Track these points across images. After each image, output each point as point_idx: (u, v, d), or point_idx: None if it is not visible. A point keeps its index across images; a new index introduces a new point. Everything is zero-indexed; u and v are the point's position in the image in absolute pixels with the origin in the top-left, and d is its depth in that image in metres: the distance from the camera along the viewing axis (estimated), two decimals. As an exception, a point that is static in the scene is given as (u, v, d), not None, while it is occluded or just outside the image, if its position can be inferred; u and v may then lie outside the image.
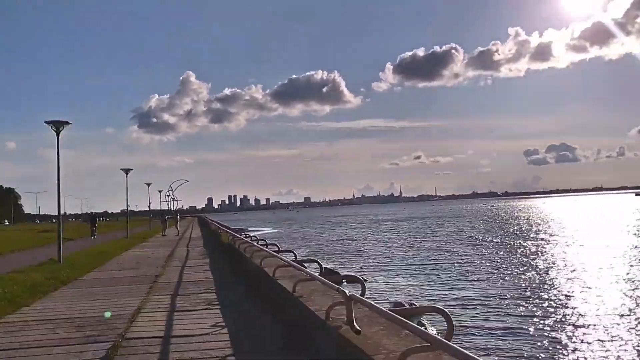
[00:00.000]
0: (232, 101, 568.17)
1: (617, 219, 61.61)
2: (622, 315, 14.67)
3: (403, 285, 21.56)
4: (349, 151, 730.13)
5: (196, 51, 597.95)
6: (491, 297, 18.05)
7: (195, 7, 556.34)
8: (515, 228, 56.22)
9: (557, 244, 36.70)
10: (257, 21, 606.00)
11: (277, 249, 12.96)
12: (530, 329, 13.59)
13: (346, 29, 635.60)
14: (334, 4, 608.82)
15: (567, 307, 16.08)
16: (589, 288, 19.03)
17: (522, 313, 15.45)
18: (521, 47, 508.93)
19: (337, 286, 5.25)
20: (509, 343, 12.37)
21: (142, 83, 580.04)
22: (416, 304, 16.37)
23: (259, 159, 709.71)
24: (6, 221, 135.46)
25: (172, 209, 79.66)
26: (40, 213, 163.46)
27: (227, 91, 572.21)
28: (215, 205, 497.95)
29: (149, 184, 57.75)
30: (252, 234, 24.23)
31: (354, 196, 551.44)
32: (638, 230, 44.12)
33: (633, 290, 18.41)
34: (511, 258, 29.23)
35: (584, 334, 13.02)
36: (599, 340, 12.51)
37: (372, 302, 4.30)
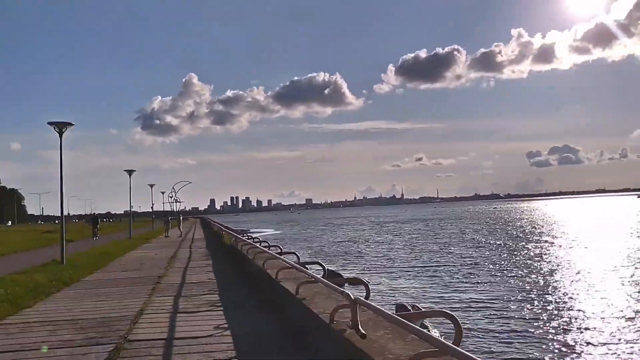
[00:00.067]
0: (234, 103, 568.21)
1: (622, 221, 61.35)
2: (630, 319, 14.53)
3: (406, 287, 21.46)
4: (350, 153, 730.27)
5: (198, 53, 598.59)
6: (496, 299, 17.89)
7: (197, 8, 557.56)
8: (519, 230, 56.04)
9: (562, 246, 36.52)
10: (259, 23, 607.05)
11: (279, 251, 12.93)
12: (538, 333, 13.31)
13: (348, 30, 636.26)
14: (335, 5, 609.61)
15: (574, 310, 15.85)
16: (596, 291, 18.82)
17: (529, 316, 15.19)
18: (524, 48, 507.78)
19: (341, 289, 5.20)
20: (517, 347, 12.18)
21: (145, 84, 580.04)
22: (419, 306, 16.30)
23: (261, 160, 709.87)
24: (9, 222, 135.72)
25: (174, 210, 79.68)
26: (44, 214, 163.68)
27: (229, 93, 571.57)
28: (218, 207, 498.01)
29: (152, 185, 57.87)
30: (254, 235, 24.24)
31: (355, 198, 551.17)
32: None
33: (639, 292, 18.28)
34: (515, 260, 29.08)
35: (593, 337, 12.84)
36: (608, 343, 12.34)
37: (378, 306, 4.23)
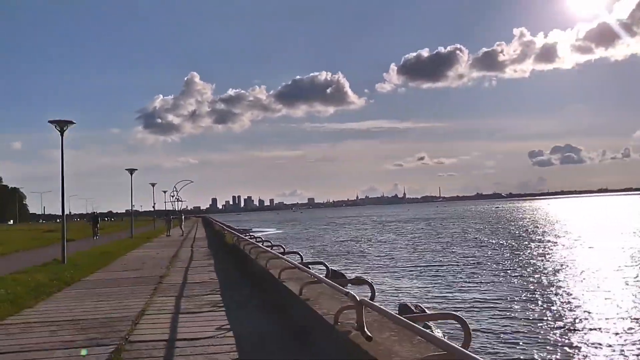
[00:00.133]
0: (236, 102, 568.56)
1: (625, 221, 61.11)
2: (636, 319, 14.39)
3: (409, 287, 21.36)
4: (352, 152, 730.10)
5: (200, 52, 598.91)
6: (500, 299, 17.72)
7: (199, 7, 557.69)
8: (522, 230, 55.90)
9: (565, 246, 36.36)
10: (261, 22, 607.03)
11: (282, 251, 12.83)
12: (544, 334, 13.10)
13: (350, 29, 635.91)
14: (337, 4, 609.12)
15: (580, 310, 15.66)
16: (602, 291, 18.60)
17: (535, 317, 14.99)
18: (526, 47, 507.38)
19: (346, 290, 5.10)
20: (524, 349, 11.97)
21: (147, 83, 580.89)
22: (422, 306, 16.19)
23: (262, 159, 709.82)
24: (11, 221, 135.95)
25: (176, 209, 79.74)
26: (45, 213, 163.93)
27: (231, 92, 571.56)
28: (220, 206, 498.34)
29: (153, 184, 57.83)
30: (256, 235, 24.14)
31: (357, 197, 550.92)
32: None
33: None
34: (519, 260, 28.95)
35: (600, 338, 12.62)
36: (615, 344, 12.19)
37: (384, 308, 4.13)
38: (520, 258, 29.85)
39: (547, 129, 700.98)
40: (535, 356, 11.59)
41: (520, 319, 14.91)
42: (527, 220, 78.25)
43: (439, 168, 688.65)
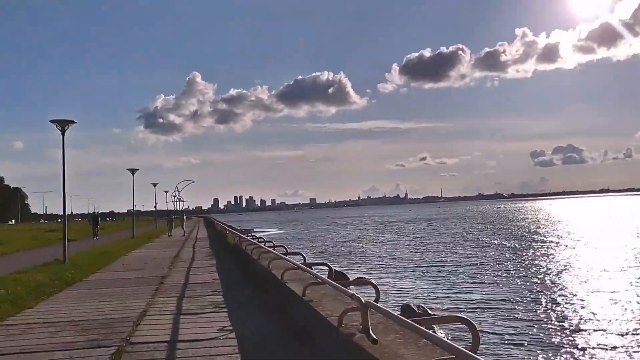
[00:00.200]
0: (237, 102, 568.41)
1: (628, 221, 60.91)
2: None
3: (411, 287, 21.26)
4: (354, 152, 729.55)
5: (202, 52, 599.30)
6: (505, 300, 17.52)
7: (201, 7, 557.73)
8: (525, 230, 55.75)
9: (568, 246, 36.19)
10: (262, 22, 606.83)
11: (285, 251, 12.76)
12: (553, 338, 12.87)
13: (352, 29, 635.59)
14: (340, 4, 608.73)
15: (590, 312, 15.41)
16: (611, 292, 18.38)
17: (540, 318, 14.77)
18: (528, 48, 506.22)
19: (351, 292, 5.02)
20: (532, 351, 11.85)
21: (149, 83, 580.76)
22: (425, 306, 16.10)
23: (264, 159, 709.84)
24: (12, 220, 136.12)
25: (178, 209, 79.73)
26: (47, 212, 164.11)
27: (232, 92, 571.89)
28: (221, 206, 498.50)
29: (155, 184, 57.82)
30: (258, 235, 24.08)
31: (359, 197, 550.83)
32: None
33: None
34: (522, 261, 28.81)
35: (611, 340, 12.51)
36: (626, 346, 12.09)
37: (390, 310, 4.05)
38: (523, 259, 29.73)
39: (549, 129, 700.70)
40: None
41: (526, 320, 14.69)
42: (530, 220, 78.07)
43: (441, 168, 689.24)
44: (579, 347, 12.04)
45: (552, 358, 11.48)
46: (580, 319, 14.70)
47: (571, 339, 12.73)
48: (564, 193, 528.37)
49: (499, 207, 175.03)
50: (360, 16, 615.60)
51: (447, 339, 4.06)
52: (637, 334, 12.97)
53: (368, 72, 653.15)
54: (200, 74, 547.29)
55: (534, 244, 38.85)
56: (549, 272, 24.09)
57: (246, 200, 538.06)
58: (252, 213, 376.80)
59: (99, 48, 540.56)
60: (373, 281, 6.31)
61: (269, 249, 13.21)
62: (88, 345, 6.45)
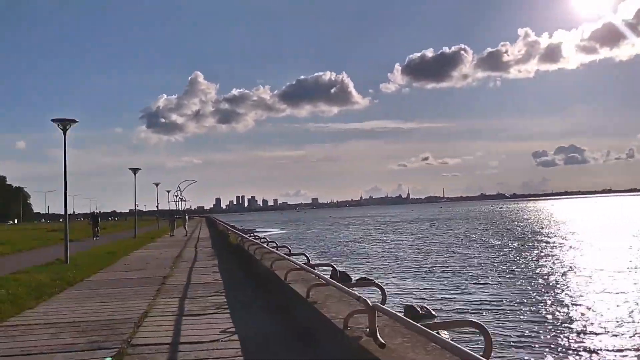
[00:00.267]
0: (240, 102, 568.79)
1: (632, 221, 60.62)
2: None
3: (414, 288, 21.11)
4: (356, 152, 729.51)
5: (204, 52, 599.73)
6: (510, 302, 17.24)
7: (203, 7, 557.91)
8: (528, 231, 55.54)
9: (574, 247, 35.93)
10: (265, 22, 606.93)
11: (288, 252, 12.66)
12: (563, 340, 12.62)
13: (354, 29, 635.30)
14: (342, 4, 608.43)
15: (598, 314, 15.16)
16: (619, 293, 18.16)
17: (551, 321, 14.44)
18: (531, 48, 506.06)
19: (357, 294, 4.91)
20: (541, 354, 11.68)
21: (151, 83, 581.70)
22: (428, 307, 15.99)
23: (266, 159, 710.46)
24: (15, 220, 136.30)
25: (180, 209, 79.62)
26: (50, 212, 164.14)
27: (235, 92, 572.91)
28: (223, 206, 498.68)
29: (157, 184, 57.73)
30: (260, 235, 24.02)
31: (361, 197, 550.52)
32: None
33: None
34: (528, 262, 28.59)
35: (622, 342, 12.34)
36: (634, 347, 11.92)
37: (400, 314, 3.93)
38: (528, 259, 29.53)
39: (551, 129, 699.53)
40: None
41: (535, 323, 14.33)
42: (533, 221, 77.79)
43: (443, 168, 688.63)
44: (594, 350, 11.78)
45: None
46: (591, 321, 14.33)
47: (585, 342, 12.42)
48: (566, 193, 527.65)
49: (502, 208, 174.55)
50: (362, 16, 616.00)
51: (450, 339, 3.94)
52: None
53: (370, 72, 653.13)
54: (202, 73, 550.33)
55: (538, 244, 38.66)
56: (555, 272, 23.87)
57: (248, 200, 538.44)
58: (254, 213, 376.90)
59: (101, 48, 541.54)
60: (380, 283, 6.16)
61: (272, 249, 13.11)
62: (88, 347, 6.35)
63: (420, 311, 15.44)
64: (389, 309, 4.15)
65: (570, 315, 15.28)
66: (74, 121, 17.33)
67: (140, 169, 38.77)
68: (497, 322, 14.54)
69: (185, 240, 30.66)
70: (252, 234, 24.26)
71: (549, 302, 17.17)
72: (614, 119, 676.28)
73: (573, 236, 44.79)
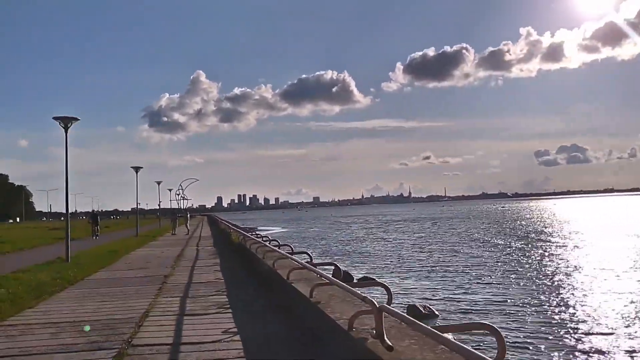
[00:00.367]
0: (241, 101, 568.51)
1: (635, 221, 60.37)
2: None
3: (416, 287, 20.99)
4: (358, 151, 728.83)
5: (206, 50, 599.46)
6: (514, 303, 17.06)
7: (205, 5, 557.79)
8: (531, 230, 55.36)
9: (578, 246, 35.73)
10: (267, 21, 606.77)
11: (290, 250, 12.54)
12: (569, 340, 12.50)
13: (356, 28, 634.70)
14: (344, 3, 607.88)
15: (606, 315, 14.92)
16: (630, 293, 18.04)
17: (559, 322, 14.22)
18: (533, 47, 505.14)
19: (363, 294, 4.79)
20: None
21: (153, 82, 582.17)
22: (430, 307, 15.87)
23: (268, 158, 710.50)
24: (17, 218, 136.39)
25: (182, 207, 79.65)
26: (52, 211, 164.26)
27: (236, 91, 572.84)
28: (225, 204, 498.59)
29: (159, 183, 57.79)
30: (262, 234, 23.89)
31: (363, 196, 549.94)
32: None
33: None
34: (531, 261, 28.45)
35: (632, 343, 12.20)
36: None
37: (408, 316, 3.81)
38: (531, 259, 29.38)
39: (553, 128, 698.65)
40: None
41: (541, 323, 14.11)
42: (535, 220, 77.59)
43: (445, 167, 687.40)
44: (606, 352, 11.60)
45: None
46: (600, 322, 14.04)
47: (597, 344, 12.20)
48: (568, 193, 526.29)
49: (504, 207, 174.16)
50: (364, 15, 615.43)
51: (452, 337, 3.82)
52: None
53: (372, 71, 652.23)
54: (204, 72, 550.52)
55: (541, 244, 38.51)
56: (559, 272, 23.67)
57: (250, 198, 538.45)
58: (255, 212, 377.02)
59: (104, 47, 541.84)
60: (385, 283, 6.04)
61: (274, 247, 13.01)
62: (88, 348, 6.24)
63: (423, 311, 15.33)
64: (398, 311, 4.02)
65: (579, 316, 15.02)
66: (75, 119, 17.24)
67: (142, 167, 38.77)
68: (503, 323, 14.30)
69: (186, 239, 30.58)
70: (253, 233, 24.16)
71: (556, 303, 16.92)
72: (616, 118, 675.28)
73: (576, 236, 44.61)
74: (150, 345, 6.27)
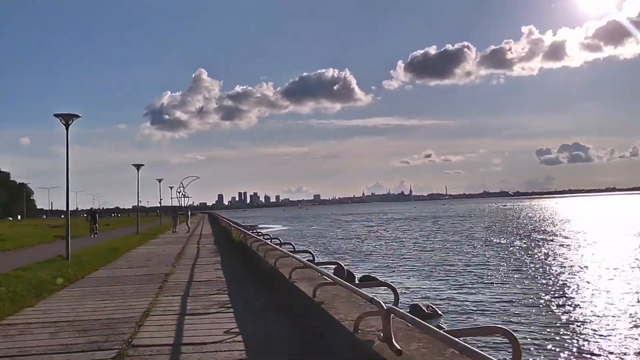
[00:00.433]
0: (243, 98, 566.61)
1: (637, 220, 60.19)
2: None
3: (418, 286, 20.88)
4: (359, 149, 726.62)
5: (208, 48, 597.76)
6: (517, 303, 16.94)
7: (207, 3, 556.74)
8: (533, 229, 55.23)
9: (582, 246, 35.60)
10: (268, 19, 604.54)
11: (292, 249, 12.42)
12: (574, 340, 12.39)
13: (357, 26, 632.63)
14: (345, 2, 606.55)
15: (620, 314, 14.81)
16: (635, 293, 17.94)
17: (565, 323, 14.04)
18: (534, 45, 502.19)
19: (370, 295, 4.67)
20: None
21: (155, 80, 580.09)
22: (434, 306, 15.74)
23: (269, 156, 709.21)
24: (19, 216, 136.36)
25: (183, 205, 79.60)
26: (53, 208, 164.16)
27: (238, 88, 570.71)
28: (226, 202, 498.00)
29: (160, 180, 57.68)
30: (262, 231, 23.78)
31: (363, 194, 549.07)
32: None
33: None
34: (535, 261, 28.32)
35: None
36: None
37: (418, 319, 3.68)
38: (534, 258, 29.23)
39: (555, 127, 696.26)
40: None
41: (549, 325, 13.88)
42: (538, 219, 77.40)
43: (446, 165, 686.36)
44: (625, 354, 11.44)
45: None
46: (612, 323, 13.90)
47: (595, 342, 12.14)
48: (570, 191, 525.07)
49: (505, 206, 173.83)
50: (365, 13, 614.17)
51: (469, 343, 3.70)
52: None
53: (373, 69, 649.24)
54: (206, 70, 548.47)
55: (544, 243, 38.36)
56: (563, 272, 23.51)
57: (250, 196, 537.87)
58: (256, 209, 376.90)
59: (106, 45, 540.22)
60: (391, 283, 5.91)
61: (276, 246, 12.88)
62: (88, 348, 6.13)
63: (427, 310, 15.19)
64: (407, 314, 3.89)
65: (587, 317, 14.74)
66: (76, 116, 17.13)
67: (143, 165, 38.76)
68: (509, 323, 14.01)
69: (187, 237, 30.50)
70: (254, 231, 24.06)
71: (562, 303, 16.71)
72: (618, 117, 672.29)
73: (579, 235, 44.44)
74: (150, 346, 6.16)
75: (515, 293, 18.70)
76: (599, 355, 11.42)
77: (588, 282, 20.49)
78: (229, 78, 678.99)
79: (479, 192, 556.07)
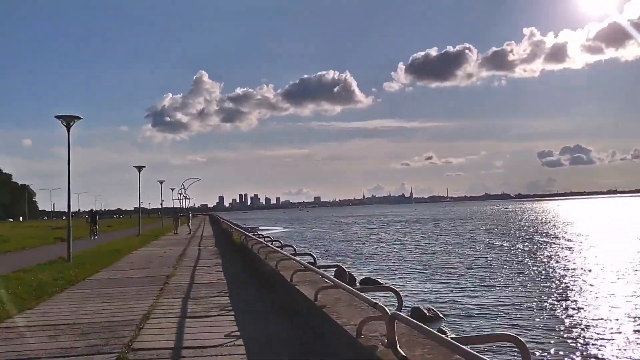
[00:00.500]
0: (243, 101, 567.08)
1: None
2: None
3: (419, 289, 20.78)
4: (359, 151, 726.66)
5: (209, 51, 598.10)
6: (519, 305, 16.88)
7: (208, 6, 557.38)
8: (535, 231, 55.09)
9: (584, 248, 35.47)
10: (269, 21, 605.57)
11: (293, 251, 12.37)
12: (566, 338, 12.38)
13: (358, 28, 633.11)
14: (345, 3, 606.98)
15: (619, 320, 14.62)
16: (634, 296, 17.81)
17: (569, 325, 13.92)
18: (536, 47, 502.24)
19: (373, 300, 4.60)
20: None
21: (156, 82, 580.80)
22: (435, 309, 15.65)
23: (269, 158, 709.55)
24: (21, 217, 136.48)
25: (184, 207, 79.58)
26: (55, 210, 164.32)
27: (239, 91, 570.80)
28: (227, 204, 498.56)
29: (161, 182, 57.66)
30: (263, 233, 23.76)
31: (364, 196, 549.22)
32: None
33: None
34: (537, 264, 28.23)
35: None
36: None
37: (425, 326, 3.61)
38: (536, 261, 29.10)
39: (556, 129, 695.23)
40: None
41: (552, 329, 13.66)
42: (540, 221, 77.22)
43: (447, 167, 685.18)
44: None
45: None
46: (619, 327, 13.77)
47: (600, 346, 12.02)
48: (571, 194, 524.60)
49: (507, 208, 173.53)
50: (366, 15, 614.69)
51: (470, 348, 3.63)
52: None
53: (374, 71, 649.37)
54: (207, 73, 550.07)
55: (546, 246, 38.23)
56: (566, 275, 23.35)
57: (251, 198, 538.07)
58: (256, 211, 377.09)
59: (107, 47, 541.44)
60: (394, 287, 5.84)
61: (277, 248, 12.83)
62: (87, 352, 6.08)
63: (428, 314, 15.09)
64: (413, 320, 3.82)
65: (592, 321, 14.50)
66: (78, 118, 17.09)
67: (144, 166, 38.70)
68: (512, 328, 13.85)
69: (188, 239, 30.46)
70: (255, 233, 24.01)
71: (566, 306, 16.53)
72: (620, 119, 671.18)
73: (581, 238, 44.29)
74: (150, 350, 6.10)
75: (517, 296, 18.56)
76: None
77: (591, 285, 20.34)
78: (229, 80, 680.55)
79: (480, 194, 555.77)
